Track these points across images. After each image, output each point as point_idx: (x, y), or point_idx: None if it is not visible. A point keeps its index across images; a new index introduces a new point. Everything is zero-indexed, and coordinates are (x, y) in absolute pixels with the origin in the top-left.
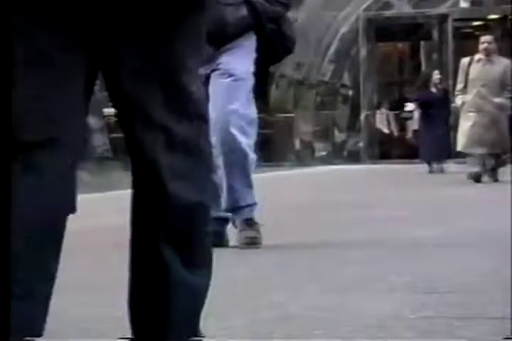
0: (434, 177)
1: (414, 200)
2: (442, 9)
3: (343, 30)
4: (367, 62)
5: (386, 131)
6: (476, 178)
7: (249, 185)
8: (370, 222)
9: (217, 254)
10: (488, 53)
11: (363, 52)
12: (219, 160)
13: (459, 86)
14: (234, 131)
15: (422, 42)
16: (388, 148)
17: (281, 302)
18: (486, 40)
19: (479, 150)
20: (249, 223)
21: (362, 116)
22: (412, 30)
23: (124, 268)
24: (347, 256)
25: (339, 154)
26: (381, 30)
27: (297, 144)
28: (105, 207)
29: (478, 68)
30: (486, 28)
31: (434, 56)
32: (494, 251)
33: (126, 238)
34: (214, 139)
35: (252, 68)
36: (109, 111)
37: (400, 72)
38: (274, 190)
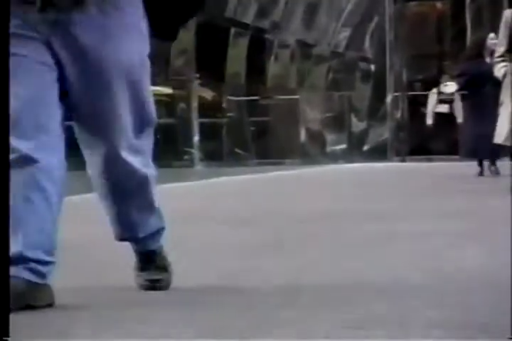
0: (484, 181)
1: (456, 213)
2: None
3: None
4: (394, 27)
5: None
6: None
7: (148, 208)
8: (393, 242)
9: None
10: None
11: (390, 12)
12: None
13: (500, 49)
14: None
15: (468, 1)
16: (424, 141)
17: None
18: None
19: None
20: (151, 258)
21: (388, 99)
22: None
23: None
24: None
25: (358, 149)
26: None
27: (303, 135)
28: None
29: None
30: None
31: (485, 18)
32: None
33: None
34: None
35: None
36: None
37: (438, 40)
38: (270, 195)
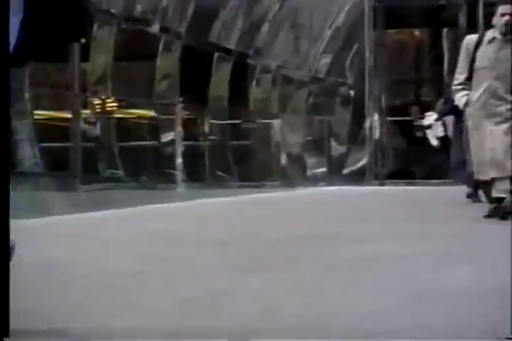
0: (469, 206)
1: (438, 236)
2: None
3: (344, 11)
4: (373, 53)
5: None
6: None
7: None
8: (371, 266)
9: None
10: (508, 30)
11: (369, 40)
12: None
13: (460, 77)
14: None
15: (445, 30)
16: (403, 165)
17: None
18: (506, 10)
19: (495, 174)
20: None
21: (367, 124)
22: (433, 14)
23: None
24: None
25: (337, 172)
26: (393, 13)
27: (283, 159)
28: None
29: (489, 52)
30: None
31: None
32: None
33: None
34: None
35: None
36: (41, 113)
37: (416, 67)
38: (250, 217)
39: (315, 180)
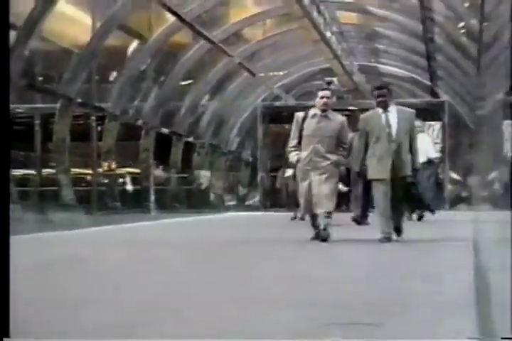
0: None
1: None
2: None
3: (246, 114)
4: (263, 137)
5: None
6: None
7: None
8: (259, 262)
9: None
10: (325, 108)
11: (260, 130)
12: None
13: (293, 142)
14: None
15: None
16: (276, 200)
17: None
18: (324, 94)
19: (318, 210)
20: None
21: (258, 177)
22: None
23: None
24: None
25: (242, 204)
26: (273, 115)
27: (212, 196)
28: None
29: (313, 124)
30: None
31: None
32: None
33: None
34: None
35: None
36: (76, 170)
37: (284, 145)
38: (194, 229)
39: (229, 209)
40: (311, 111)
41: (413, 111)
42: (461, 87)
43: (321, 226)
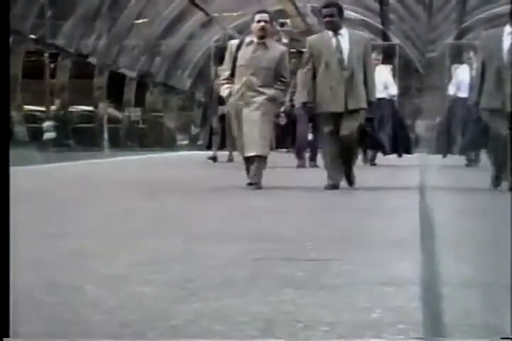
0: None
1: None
2: None
3: (200, 54)
4: (215, 77)
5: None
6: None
7: None
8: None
9: None
10: (263, 35)
11: (213, 70)
12: None
13: (225, 74)
14: None
15: None
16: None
17: None
18: (262, 17)
19: (252, 153)
20: None
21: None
22: None
23: None
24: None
25: (194, 143)
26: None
27: (165, 136)
28: None
29: (248, 53)
30: None
31: None
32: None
33: None
34: None
35: None
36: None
37: None
38: (145, 167)
39: (181, 148)
40: (248, 39)
41: (368, 35)
42: (412, 30)
43: (251, 173)
